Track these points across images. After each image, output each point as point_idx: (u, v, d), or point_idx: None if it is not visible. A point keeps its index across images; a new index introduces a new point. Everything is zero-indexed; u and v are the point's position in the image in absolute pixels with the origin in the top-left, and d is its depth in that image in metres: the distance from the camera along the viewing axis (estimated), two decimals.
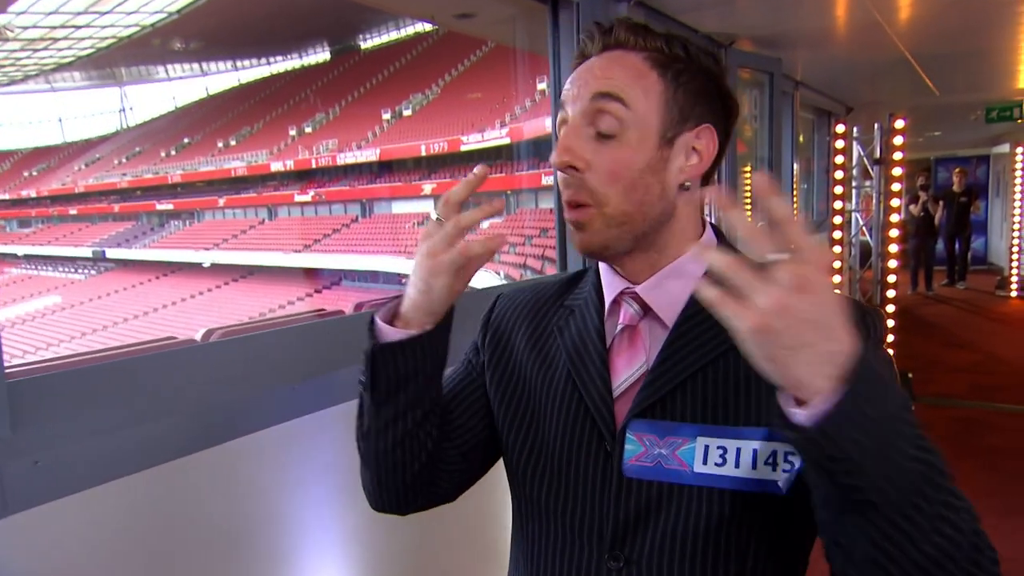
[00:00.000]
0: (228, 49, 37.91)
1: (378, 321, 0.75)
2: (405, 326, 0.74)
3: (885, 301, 5.93)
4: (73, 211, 38.95)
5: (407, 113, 29.23)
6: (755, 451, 0.68)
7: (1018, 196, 8.40)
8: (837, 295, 0.70)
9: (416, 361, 0.74)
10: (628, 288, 0.76)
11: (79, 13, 28.88)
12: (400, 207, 26.92)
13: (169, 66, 41.63)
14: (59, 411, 1.00)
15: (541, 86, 18.56)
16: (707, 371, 0.71)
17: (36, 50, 33.05)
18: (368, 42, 37.64)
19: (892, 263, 5.85)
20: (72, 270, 35.29)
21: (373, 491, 0.84)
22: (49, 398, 0.98)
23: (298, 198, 29.99)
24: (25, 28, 29.87)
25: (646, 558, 0.70)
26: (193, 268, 30.13)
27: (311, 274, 26.58)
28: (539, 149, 19.55)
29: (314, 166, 29.62)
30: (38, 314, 29.63)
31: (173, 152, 37.67)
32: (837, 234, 5.58)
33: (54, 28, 30.31)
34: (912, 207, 8.93)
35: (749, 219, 0.56)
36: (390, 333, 0.74)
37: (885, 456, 0.54)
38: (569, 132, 0.73)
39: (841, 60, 4.40)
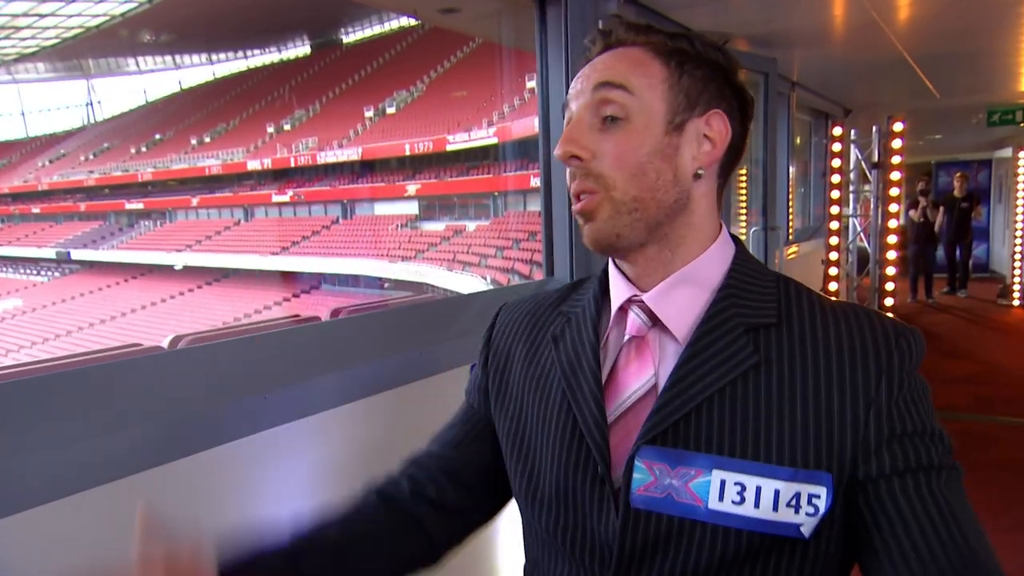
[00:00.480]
0: (203, 41, 37.74)
1: None
2: None
3: (883, 310, 5.99)
4: (36, 209, 38.55)
5: (391, 111, 29.22)
6: (777, 491, 0.65)
7: (1021, 202, 8.51)
8: (874, 312, 0.71)
9: None
10: (635, 296, 0.75)
11: (44, 1, 28.64)
12: (383, 208, 26.88)
13: (140, 58, 41.38)
14: (15, 421, 0.99)
15: (530, 84, 18.64)
16: (724, 394, 0.68)
17: None
18: (350, 36, 37.62)
19: (890, 270, 5.91)
20: (34, 272, 34.89)
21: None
22: (4, 407, 0.97)
23: (276, 198, 29.85)
24: None
25: None
26: (164, 271, 29.90)
27: (289, 278, 26.46)
28: (527, 149, 19.61)
29: (293, 165, 29.52)
30: None
31: (144, 149, 37.40)
32: (834, 240, 5.63)
33: (16, 16, 30.03)
34: (912, 212, 9.03)
35: None
36: None
37: None
38: (574, 125, 0.74)
39: (838, 60, 4.45)
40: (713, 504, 0.66)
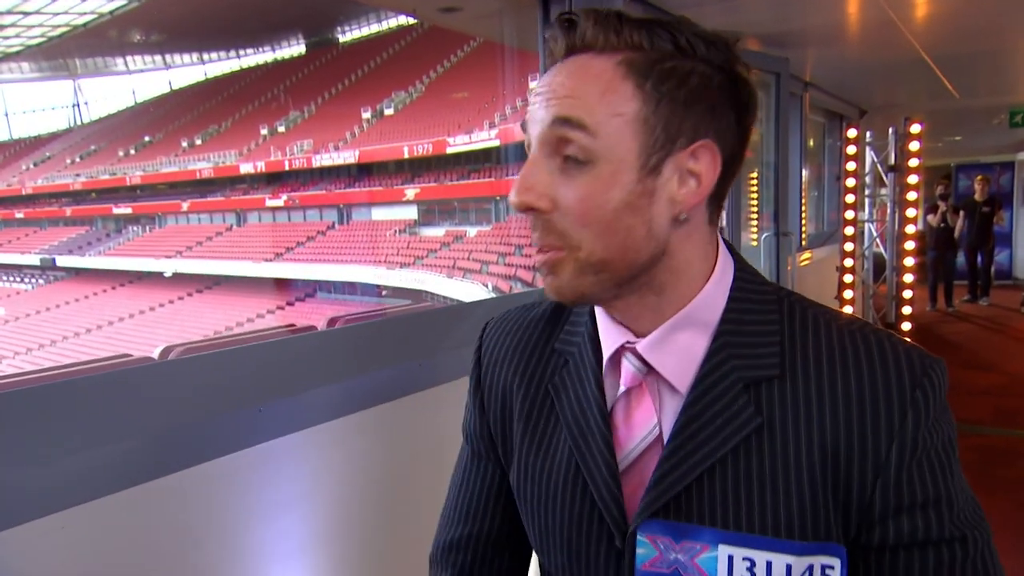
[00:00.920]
0: (194, 40, 37.93)
1: None
2: None
3: (901, 318, 5.98)
4: (20, 214, 38.68)
5: (389, 112, 29.33)
6: (789, 566, 0.63)
7: None
8: (890, 347, 0.66)
9: None
10: (628, 343, 0.70)
11: None
12: (380, 213, 26.94)
13: (129, 58, 41.62)
14: None
15: (532, 84, 18.68)
16: (726, 462, 0.66)
17: None
18: (347, 35, 37.81)
19: (908, 277, 5.90)
20: (18, 279, 34.97)
21: None
22: None
23: (269, 203, 29.93)
24: None
25: None
26: (153, 278, 29.96)
27: (283, 285, 26.50)
28: None
29: (287, 168, 29.61)
30: None
31: (132, 151, 37.55)
32: (849, 246, 5.63)
33: (0, 14, 30.21)
34: (930, 217, 9.02)
35: None
36: None
37: None
38: (529, 166, 0.66)
39: (853, 60, 4.46)
40: None
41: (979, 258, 9.36)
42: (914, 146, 5.76)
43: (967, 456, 0.70)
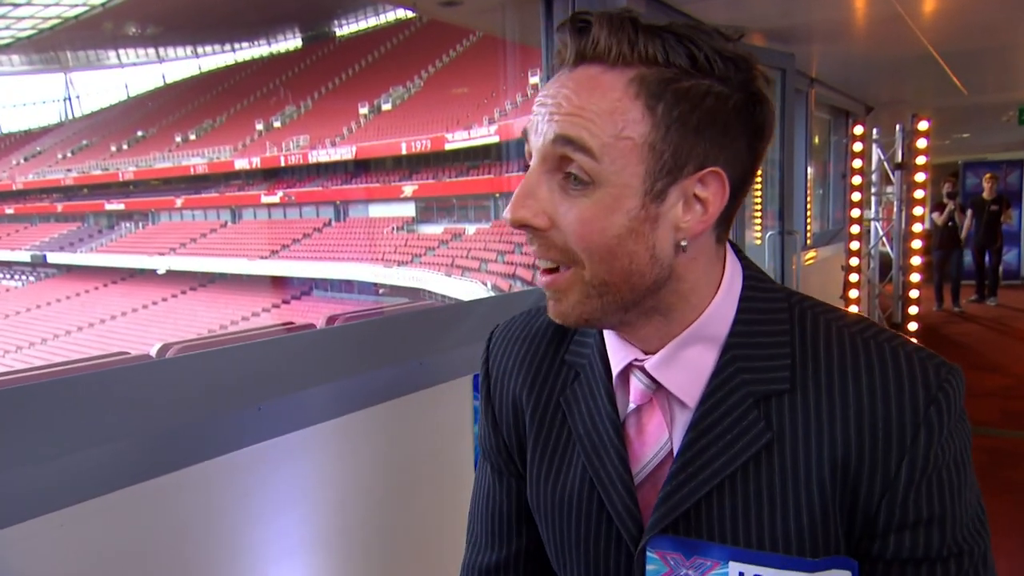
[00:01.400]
0: (188, 33, 37.88)
1: None
2: None
3: (907, 318, 5.99)
4: (10, 210, 38.64)
5: (386, 107, 29.31)
6: None
7: None
8: (904, 356, 0.65)
9: None
10: (637, 360, 0.70)
11: None
12: (378, 210, 26.93)
13: (122, 51, 41.55)
14: None
15: (533, 80, 18.69)
16: (736, 478, 0.66)
17: None
18: (344, 29, 37.78)
19: (915, 277, 5.90)
20: (8, 276, 34.95)
21: None
22: None
23: (265, 199, 29.93)
24: None
25: None
26: (146, 275, 29.94)
27: (279, 283, 26.50)
28: None
29: (283, 164, 29.60)
30: None
31: (125, 146, 37.52)
32: (855, 245, 5.64)
33: None
34: (936, 216, 9.03)
35: None
36: None
37: None
38: (528, 181, 0.64)
39: (860, 56, 4.47)
40: None
41: (987, 257, 9.37)
42: (921, 143, 5.77)
43: (974, 458, 0.71)
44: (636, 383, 0.70)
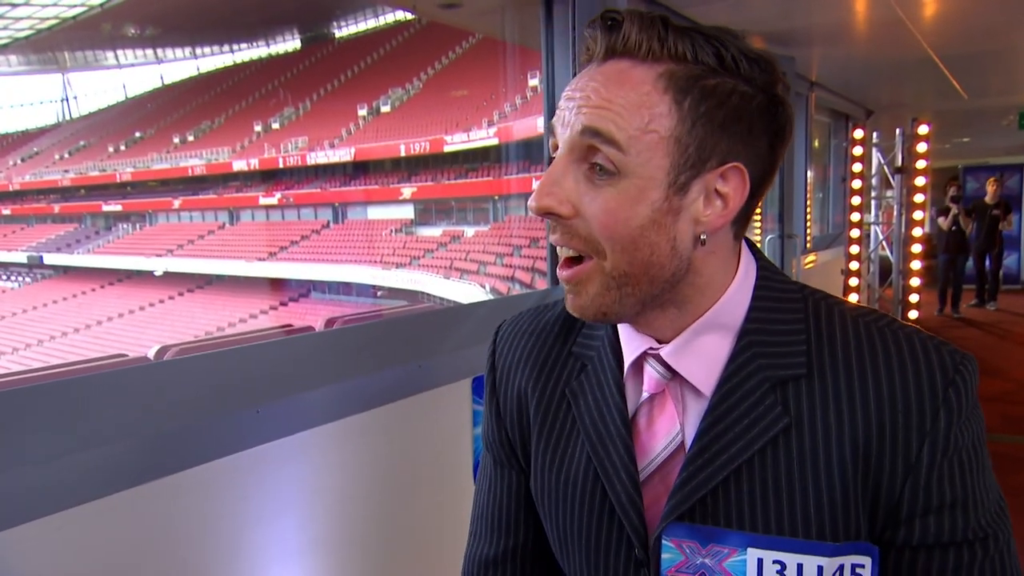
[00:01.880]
0: (186, 34, 37.90)
1: None
2: None
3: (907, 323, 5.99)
4: (6, 211, 38.61)
5: (385, 109, 29.33)
6: (820, 567, 0.64)
7: None
8: (919, 344, 0.66)
9: None
10: (652, 348, 0.70)
11: None
12: (376, 212, 26.93)
13: (120, 51, 41.53)
14: None
15: (533, 82, 18.72)
16: (753, 463, 0.66)
17: None
18: (343, 30, 37.79)
19: (914, 281, 5.91)
20: (4, 277, 34.91)
21: None
22: None
23: (263, 201, 29.92)
24: None
25: None
26: (144, 277, 29.92)
27: (276, 285, 26.49)
28: (530, 151, 19.66)
29: (281, 166, 29.60)
30: None
31: (123, 147, 37.50)
32: (854, 249, 5.65)
33: None
34: (941, 220, 9.03)
35: None
36: None
37: None
38: (554, 169, 0.66)
39: (860, 60, 4.48)
40: None
41: (987, 262, 9.38)
42: (921, 147, 5.78)
43: None
44: (651, 372, 0.71)
